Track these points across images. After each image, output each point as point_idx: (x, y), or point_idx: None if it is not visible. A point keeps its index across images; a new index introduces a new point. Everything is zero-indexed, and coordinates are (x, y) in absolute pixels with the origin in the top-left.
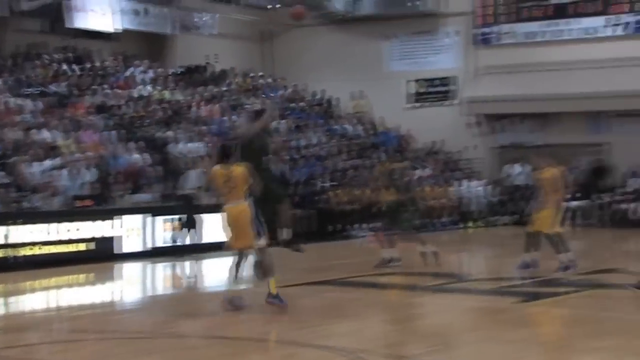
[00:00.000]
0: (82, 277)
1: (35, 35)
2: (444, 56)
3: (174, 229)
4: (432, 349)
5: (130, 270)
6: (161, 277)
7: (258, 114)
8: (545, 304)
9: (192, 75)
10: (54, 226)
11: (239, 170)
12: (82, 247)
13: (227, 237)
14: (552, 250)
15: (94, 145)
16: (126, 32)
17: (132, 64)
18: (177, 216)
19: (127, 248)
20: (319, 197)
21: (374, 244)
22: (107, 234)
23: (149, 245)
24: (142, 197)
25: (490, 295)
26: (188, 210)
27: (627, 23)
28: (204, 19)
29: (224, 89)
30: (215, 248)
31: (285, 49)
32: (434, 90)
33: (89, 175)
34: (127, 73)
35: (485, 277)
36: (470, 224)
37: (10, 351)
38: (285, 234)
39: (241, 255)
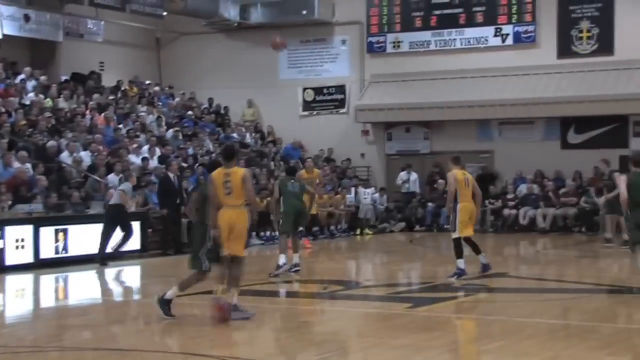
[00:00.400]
0: None
1: None
2: (336, 64)
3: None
4: (324, 356)
5: (17, 282)
6: (51, 289)
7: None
8: (436, 309)
9: (79, 83)
10: None
11: (239, 172)
12: None
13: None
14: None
15: None
16: (9, 39)
17: (16, 72)
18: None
19: (12, 260)
20: None
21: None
22: None
23: (38, 257)
24: (31, 207)
25: (383, 302)
26: (123, 220)
27: (508, 34)
28: (88, 26)
29: (112, 97)
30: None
31: (175, 57)
32: (328, 99)
33: None
34: (10, 81)
35: (378, 283)
36: (364, 230)
37: None
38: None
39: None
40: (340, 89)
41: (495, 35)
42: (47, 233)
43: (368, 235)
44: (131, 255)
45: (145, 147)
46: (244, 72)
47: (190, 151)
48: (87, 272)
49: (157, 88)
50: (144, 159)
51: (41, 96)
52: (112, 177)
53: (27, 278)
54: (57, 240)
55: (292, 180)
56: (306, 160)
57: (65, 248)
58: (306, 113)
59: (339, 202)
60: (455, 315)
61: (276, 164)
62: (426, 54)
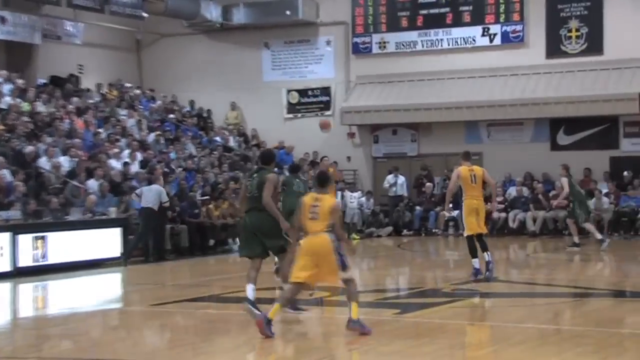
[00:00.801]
0: None
1: None
2: (321, 66)
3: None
4: None
5: None
6: (29, 298)
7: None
8: (425, 315)
9: (57, 87)
10: None
11: (330, 201)
12: None
13: (294, 268)
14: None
15: None
16: None
17: None
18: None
19: None
20: (196, 211)
21: None
22: None
23: (16, 265)
24: (9, 214)
25: (371, 308)
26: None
27: (496, 34)
28: (66, 28)
29: (91, 101)
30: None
31: (155, 58)
32: (313, 101)
33: None
34: None
35: (366, 289)
36: (350, 235)
37: None
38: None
39: (297, 289)
40: (325, 90)
41: (483, 35)
42: (25, 241)
43: (355, 239)
44: (112, 263)
45: (126, 152)
46: (226, 74)
47: (173, 156)
48: (67, 280)
49: (137, 91)
50: (125, 164)
51: (18, 100)
52: (92, 183)
53: (4, 287)
54: (35, 248)
55: (298, 179)
56: (322, 160)
57: (44, 256)
58: (291, 115)
59: None
60: (444, 321)
61: None
62: (413, 55)
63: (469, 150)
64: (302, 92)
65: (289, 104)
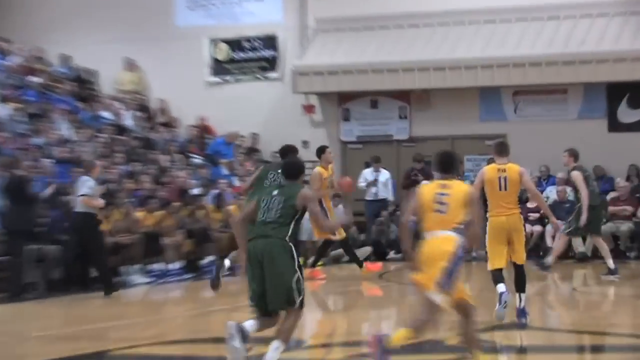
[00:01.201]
0: None
1: None
2: (263, 4)
3: None
4: None
5: None
6: None
7: None
8: None
9: None
10: None
11: (462, 188)
12: None
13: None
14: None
15: None
16: None
17: None
18: None
19: None
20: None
21: None
22: None
23: None
24: None
25: None
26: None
27: None
28: None
29: None
30: None
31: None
32: (252, 57)
33: None
34: None
35: (332, 341)
36: (308, 259)
37: None
38: None
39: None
40: (270, 41)
41: None
42: None
43: (316, 265)
44: None
45: None
46: (119, 17)
47: (38, 141)
48: None
49: None
50: None
51: None
52: None
53: None
54: None
55: (275, 173)
56: (325, 151)
57: None
58: (217, 79)
59: None
60: None
61: (173, 159)
62: None
63: (504, 140)
64: (235, 44)
65: (215, 61)
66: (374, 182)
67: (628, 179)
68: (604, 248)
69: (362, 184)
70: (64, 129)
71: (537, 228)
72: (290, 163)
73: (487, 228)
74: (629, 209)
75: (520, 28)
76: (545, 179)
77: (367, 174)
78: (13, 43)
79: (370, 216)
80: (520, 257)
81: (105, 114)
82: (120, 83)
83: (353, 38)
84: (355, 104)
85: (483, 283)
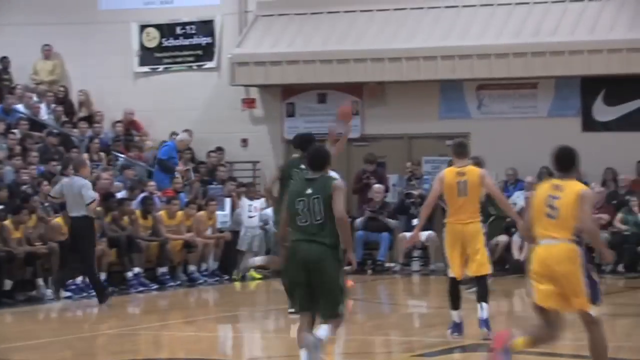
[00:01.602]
0: None
1: None
2: None
3: None
4: None
5: None
6: None
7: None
8: None
9: None
10: None
11: (574, 189)
12: None
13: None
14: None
15: None
16: None
17: None
18: None
19: None
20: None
21: None
22: None
23: None
24: None
25: None
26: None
27: None
28: None
29: None
30: None
31: None
32: (184, 44)
33: None
34: None
35: None
36: (247, 272)
37: None
38: None
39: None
40: (205, 27)
41: None
42: None
43: (255, 279)
44: None
45: None
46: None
47: None
48: None
49: None
50: None
51: None
52: None
53: None
54: None
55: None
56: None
57: None
58: (146, 69)
59: (202, 224)
60: None
61: (99, 158)
62: None
63: (463, 140)
64: (166, 30)
65: (144, 48)
66: None
67: (604, 183)
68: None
69: None
70: None
71: (503, 238)
72: (315, 153)
73: (445, 234)
74: (604, 217)
75: (485, 14)
76: (512, 184)
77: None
78: None
79: None
80: (479, 269)
81: (19, 107)
82: (37, 72)
83: (296, 24)
84: (301, 98)
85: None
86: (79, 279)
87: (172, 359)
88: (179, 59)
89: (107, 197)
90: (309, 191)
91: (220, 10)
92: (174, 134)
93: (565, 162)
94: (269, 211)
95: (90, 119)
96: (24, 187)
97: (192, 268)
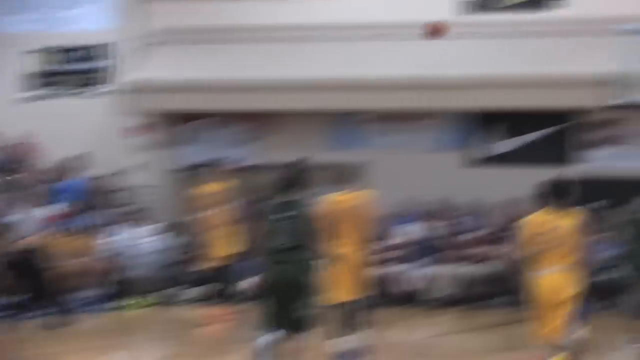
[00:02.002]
0: None
1: None
2: (90, 9)
3: None
4: None
5: None
6: None
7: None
8: None
9: None
10: None
11: (571, 220)
12: None
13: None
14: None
15: None
16: None
17: None
18: None
19: None
20: None
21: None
22: None
23: None
24: None
25: None
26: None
27: None
28: None
29: None
30: None
31: None
32: (76, 69)
33: None
34: None
35: None
36: (132, 300)
37: None
38: None
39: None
40: (95, 51)
41: None
42: None
43: (143, 307)
44: None
45: None
46: None
47: None
48: None
49: None
50: None
51: None
52: None
53: None
54: None
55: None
56: None
57: None
58: (31, 94)
59: (87, 250)
60: None
61: None
62: None
63: (342, 166)
64: (56, 54)
65: (32, 73)
66: None
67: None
68: None
69: None
70: None
71: (391, 269)
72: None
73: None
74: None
75: (377, 48)
76: (403, 215)
77: None
78: None
79: None
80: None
81: None
82: None
83: (197, 51)
84: (199, 125)
85: None
86: None
87: None
88: (70, 85)
89: None
90: (286, 214)
91: (117, 35)
92: (70, 160)
93: (562, 193)
94: (160, 238)
95: None
96: None
97: (75, 295)
